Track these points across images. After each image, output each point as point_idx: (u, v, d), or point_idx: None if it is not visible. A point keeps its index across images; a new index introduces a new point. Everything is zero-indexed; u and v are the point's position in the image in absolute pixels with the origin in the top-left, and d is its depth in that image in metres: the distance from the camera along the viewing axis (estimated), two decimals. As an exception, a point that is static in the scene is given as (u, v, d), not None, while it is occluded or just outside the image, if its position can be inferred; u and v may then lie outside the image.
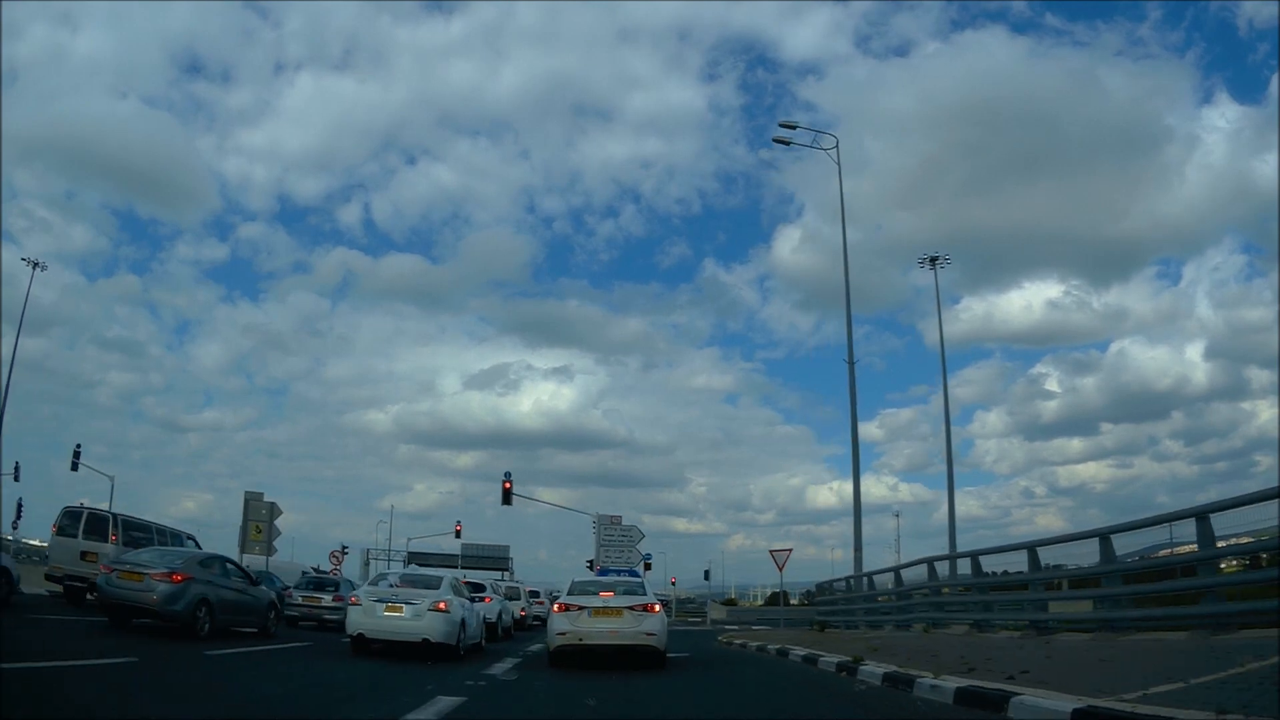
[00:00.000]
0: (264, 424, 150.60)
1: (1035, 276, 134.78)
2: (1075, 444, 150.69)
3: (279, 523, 33.65)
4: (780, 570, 32.10)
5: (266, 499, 34.24)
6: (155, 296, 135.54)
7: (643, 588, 15.24)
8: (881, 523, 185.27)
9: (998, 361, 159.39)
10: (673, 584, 77.96)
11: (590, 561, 43.70)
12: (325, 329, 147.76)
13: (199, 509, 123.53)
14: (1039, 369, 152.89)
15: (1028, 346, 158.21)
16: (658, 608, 14.01)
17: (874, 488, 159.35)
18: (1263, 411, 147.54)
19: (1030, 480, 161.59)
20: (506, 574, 61.43)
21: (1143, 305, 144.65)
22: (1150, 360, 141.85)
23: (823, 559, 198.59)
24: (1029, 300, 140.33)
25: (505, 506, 41.70)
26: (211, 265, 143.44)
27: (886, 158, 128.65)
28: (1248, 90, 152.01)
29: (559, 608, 13.86)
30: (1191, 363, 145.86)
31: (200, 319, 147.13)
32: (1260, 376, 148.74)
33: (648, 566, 42.74)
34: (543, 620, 20.46)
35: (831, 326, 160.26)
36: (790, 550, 32.92)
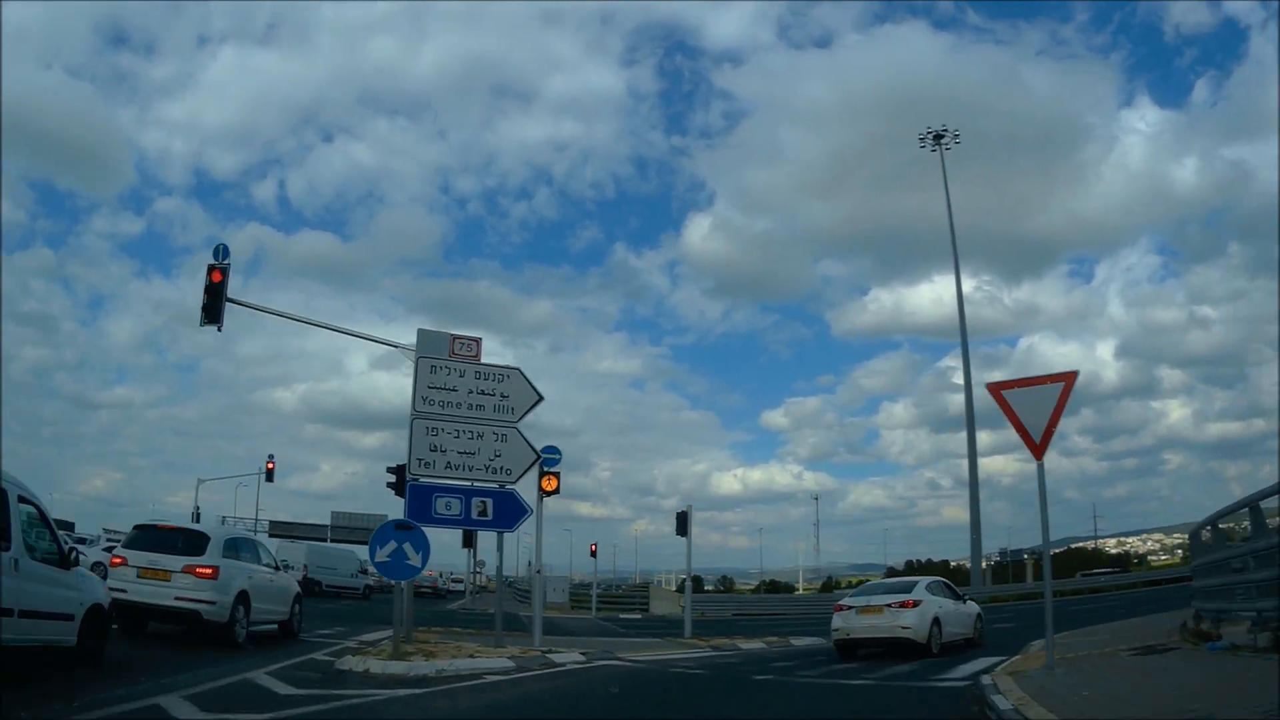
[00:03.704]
0: (174, 401, 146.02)
1: (947, 270, 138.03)
2: (983, 437, 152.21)
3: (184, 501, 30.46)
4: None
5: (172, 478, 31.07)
6: (70, 271, 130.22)
7: (909, 586, 15.81)
8: (786, 511, 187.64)
9: (906, 354, 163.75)
10: (538, 573, 73.96)
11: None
12: (236, 306, 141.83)
13: (108, 487, 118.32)
14: (947, 362, 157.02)
15: (937, 339, 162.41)
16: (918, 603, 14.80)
17: (778, 476, 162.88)
18: (1173, 411, 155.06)
19: (936, 472, 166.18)
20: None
21: (1054, 302, 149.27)
22: (1060, 356, 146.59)
23: (726, 546, 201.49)
24: (939, 294, 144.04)
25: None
26: (127, 240, 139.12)
27: (802, 147, 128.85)
28: (1170, 94, 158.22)
29: (837, 607, 15.40)
30: (1102, 360, 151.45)
31: (114, 294, 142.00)
32: (1171, 376, 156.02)
33: (550, 482, 20.07)
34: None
35: (741, 315, 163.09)
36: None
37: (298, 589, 18.06)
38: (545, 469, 18.96)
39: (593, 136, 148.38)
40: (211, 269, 17.76)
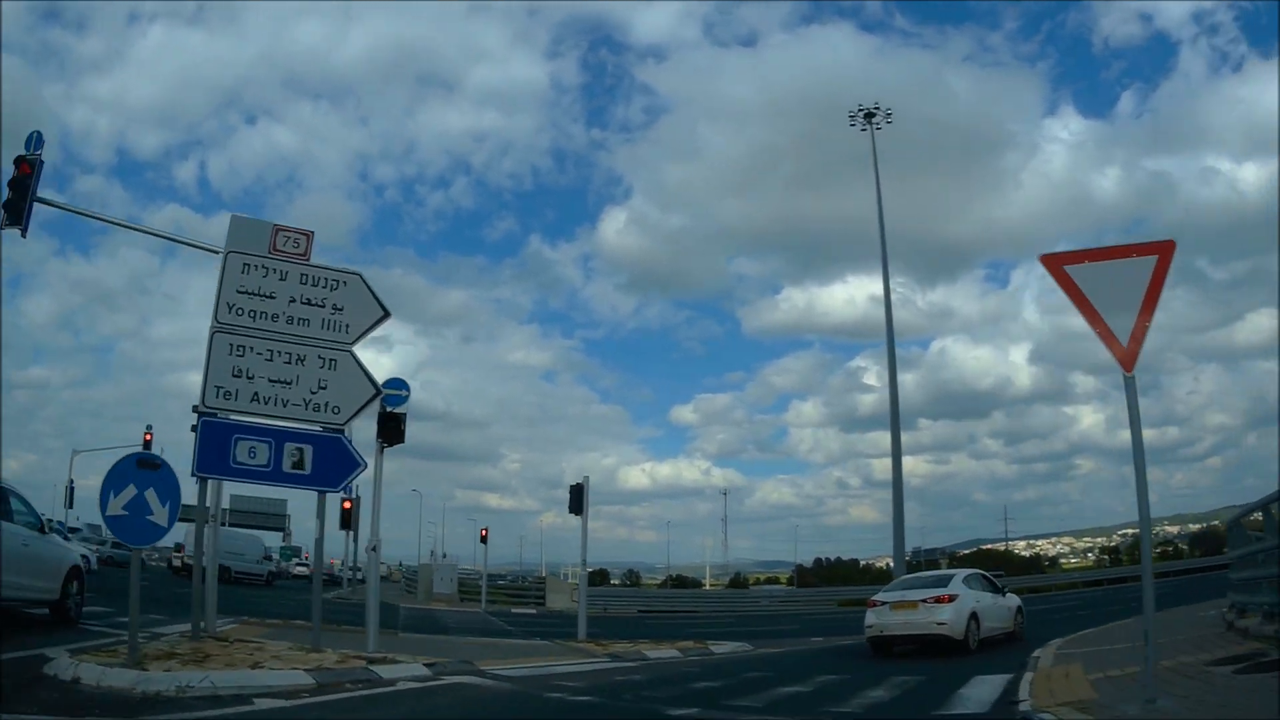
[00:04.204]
0: (89, 383, 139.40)
1: (860, 271, 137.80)
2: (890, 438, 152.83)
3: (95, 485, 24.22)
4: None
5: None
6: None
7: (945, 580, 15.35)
8: (694, 506, 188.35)
9: (817, 353, 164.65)
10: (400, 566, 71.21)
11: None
12: (153, 287, 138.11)
13: (23, 469, 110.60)
14: (858, 362, 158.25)
15: (848, 340, 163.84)
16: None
17: (686, 471, 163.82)
18: (1085, 416, 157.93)
19: (845, 471, 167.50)
20: (284, 534, 54.11)
21: (968, 306, 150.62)
22: (973, 360, 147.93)
23: (633, 540, 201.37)
24: (852, 294, 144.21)
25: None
26: (46, 218, 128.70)
27: (721, 145, 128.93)
28: (1095, 105, 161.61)
29: (870, 603, 15.19)
30: (1015, 365, 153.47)
31: (32, 272, 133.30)
32: (1084, 382, 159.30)
33: (388, 427, 14.12)
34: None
35: (653, 310, 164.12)
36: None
37: (76, 560, 13.94)
38: (387, 408, 14.11)
39: (514, 128, 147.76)
40: (19, 161, 12.75)
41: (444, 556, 76.55)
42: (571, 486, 20.40)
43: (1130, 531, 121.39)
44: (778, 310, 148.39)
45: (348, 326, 13.09)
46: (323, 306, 13.00)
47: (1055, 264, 8.10)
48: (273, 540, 63.49)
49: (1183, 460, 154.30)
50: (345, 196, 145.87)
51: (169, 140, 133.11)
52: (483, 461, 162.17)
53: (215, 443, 12.23)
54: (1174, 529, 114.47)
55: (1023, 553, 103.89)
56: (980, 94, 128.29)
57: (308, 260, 13.13)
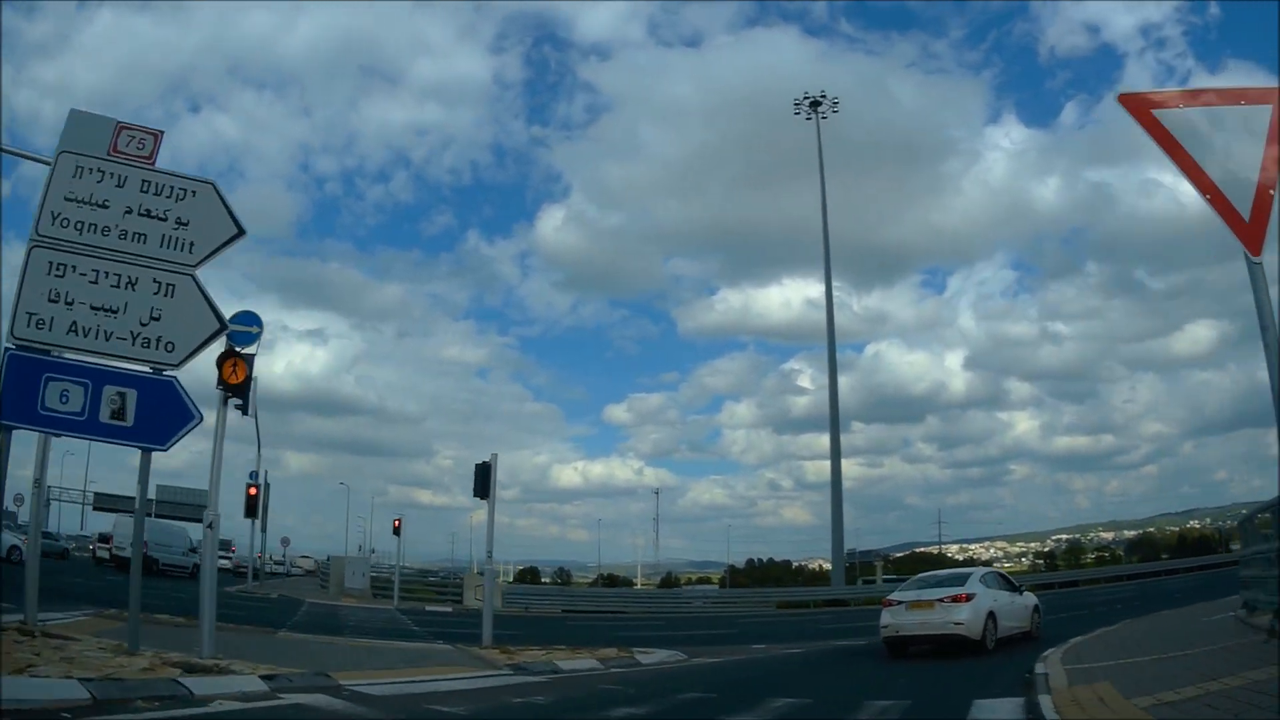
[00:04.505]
0: None
1: (797, 274, 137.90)
2: (824, 440, 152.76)
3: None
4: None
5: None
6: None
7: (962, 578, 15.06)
8: (626, 506, 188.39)
9: (751, 354, 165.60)
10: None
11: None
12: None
13: None
14: (792, 365, 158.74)
15: (783, 342, 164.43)
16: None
17: (619, 470, 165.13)
18: (1020, 423, 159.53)
19: (777, 473, 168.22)
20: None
21: (904, 311, 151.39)
22: (908, 365, 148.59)
23: (564, 538, 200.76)
24: (788, 297, 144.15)
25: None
26: None
27: (661, 145, 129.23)
28: (1038, 114, 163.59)
29: (885, 602, 15.13)
30: (950, 370, 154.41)
31: None
32: (1019, 389, 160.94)
33: (237, 370, 11.10)
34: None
35: (589, 309, 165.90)
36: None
37: None
38: (234, 348, 11.16)
39: (455, 122, 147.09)
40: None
41: (372, 552, 75.76)
42: (477, 466, 17.49)
43: (1064, 537, 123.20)
44: (713, 311, 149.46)
45: (192, 245, 10.78)
46: (164, 220, 10.73)
47: (1141, 108, 5.51)
48: (200, 532, 59.98)
49: (1118, 468, 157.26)
50: (286, 187, 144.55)
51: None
52: (416, 457, 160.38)
53: (22, 383, 10.01)
54: (1109, 535, 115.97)
55: (956, 556, 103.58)
56: (923, 100, 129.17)
57: (153, 165, 10.91)
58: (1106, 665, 9.97)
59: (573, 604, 40.21)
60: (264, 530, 47.04)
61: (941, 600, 14.31)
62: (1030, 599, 16.64)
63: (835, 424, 50.02)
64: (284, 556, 65.74)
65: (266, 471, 45.08)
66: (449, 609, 38.63)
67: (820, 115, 53.57)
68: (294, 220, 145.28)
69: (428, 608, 37.94)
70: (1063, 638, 13.80)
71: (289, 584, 48.82)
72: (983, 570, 16.15)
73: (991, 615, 14.32)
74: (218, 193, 11.08)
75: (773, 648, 18.85)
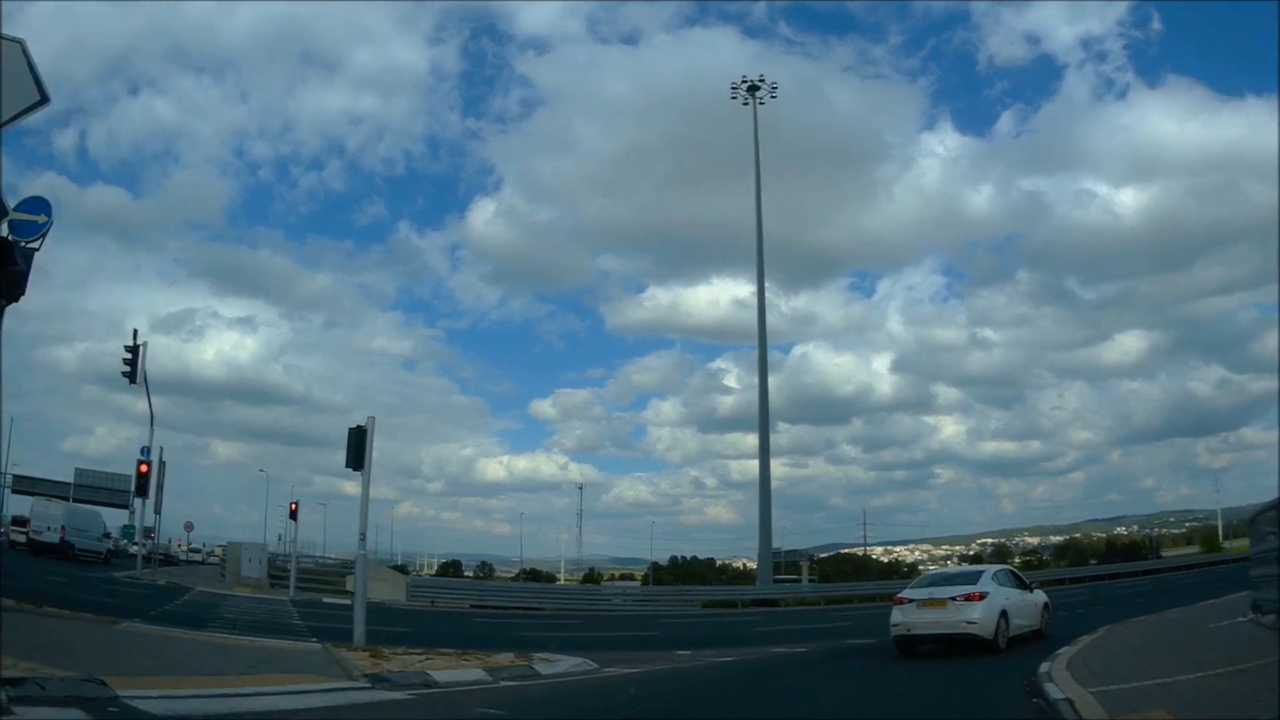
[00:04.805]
0: None
1: (726, 274, 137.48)
2: (750, 439, 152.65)
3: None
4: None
5: None
6: None
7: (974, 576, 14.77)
8: (550, 501, 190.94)
9: (678, 353, 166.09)
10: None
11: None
12: None
13: None
14: (719, 364, 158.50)
15: (710, 341, 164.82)
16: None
17: (544, 465, 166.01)
18: (946, 427, 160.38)
19: (701, 471, 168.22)
20: (129, 512, 47.70)
21: (832, 313, 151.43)
22: (835, 367, 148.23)
23: (489, 532, 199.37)
24: (716, 296, 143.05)
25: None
26: None
27: (595, 141, 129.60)
28: (974, 122, 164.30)
29: (896, 601, 14.71)
30: (877, 373, 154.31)
31: None
32: (947, 393, 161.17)
33: (8, 265, 7.34)
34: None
35: (517, 303, 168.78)
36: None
37: None
38: (12, 239, 8.24)
39: (390, 112, 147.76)
40: None
41: (292, 542, 73.44)
42: (351, 431, 14.54)
43: (989, 541, 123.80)
44: (641, 309, 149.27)
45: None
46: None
47: None
48: (120, 517, 58.17)
49: (1045, 473, 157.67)
50: (219, 172, 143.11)
51: (52, 107, 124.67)
52: (341, 448, 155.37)
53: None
54: (1034, 540, 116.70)
55: (881, 559, 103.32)
56: (859, 104, 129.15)
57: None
58: (1145, 686, 7.56)
59: (484, 599, 37.16)
60: (158, 511, 44.57)
61: (954, 599, 13.92)
62: (1040, 596, 16.40)
63: (764, 423, 48.00)
64: (189, 541, 64.18)
65: (162, 449, 42.54)
66: (348, 601, 35.66)
67: (758, 100, 51.63)
68: (226, 206, 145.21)
69: (325, 599, 35.04)
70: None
71: (193, 571, 46.90)
72: (995, 567, 15.84)
73: (1004, 614, 14.03)
74: (26, 53, 8.20)
75: (701, 655, 16.20)
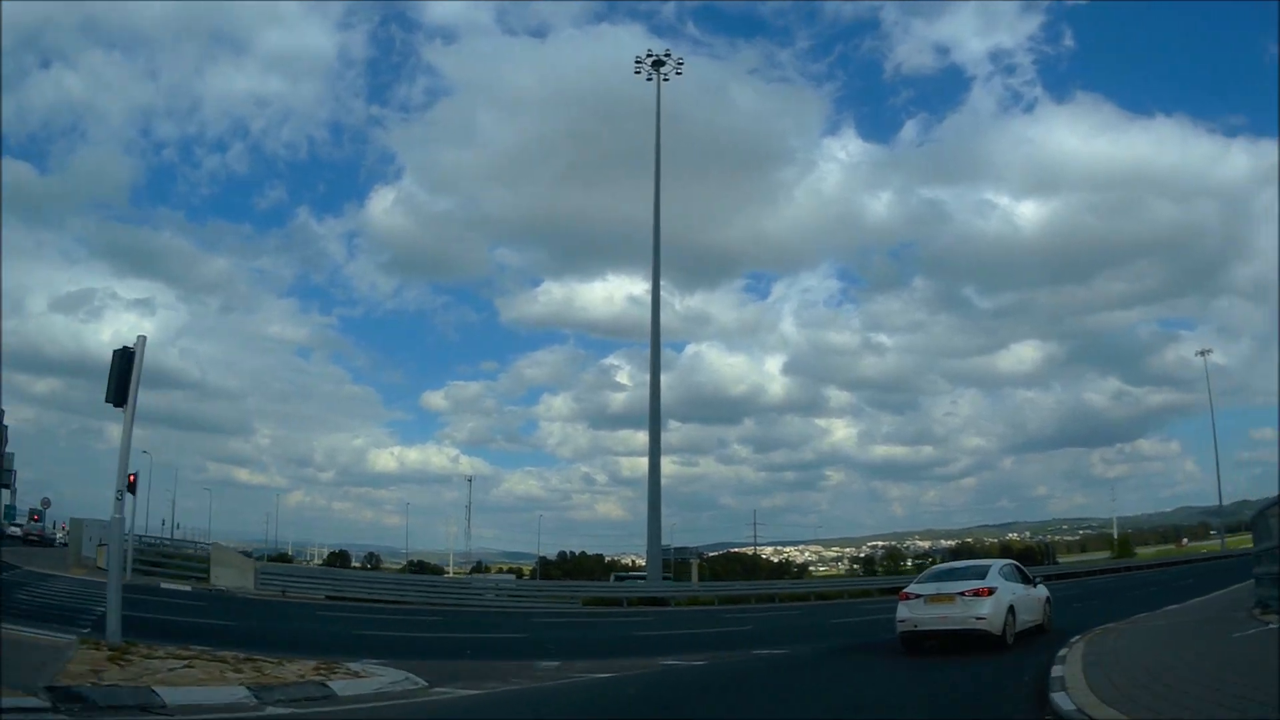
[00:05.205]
0: None
1: (621, 271, 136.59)
2: (640, 437, 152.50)
3: None
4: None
5: None
6: None
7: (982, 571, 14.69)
8: (440, 493, 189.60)
9: (572, 348, 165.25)
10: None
11: None
12: None
13: None
14: (612, 360, 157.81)
15: (604, 337, 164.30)
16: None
17: (434, 457, 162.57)
18: (837, 429, 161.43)
19: (592, 467, 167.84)
20: (10, 491, 44.90)
21: (726, 314, 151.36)
22: (727, 367, 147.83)
23: (380, 523, 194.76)
24: (611, 292, 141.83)
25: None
26: None
27: (496, 132, 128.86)
28: (877, 129, 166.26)
29: (902, 596, 14.48)
30: (769, 375, 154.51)
31: None
32: (839, 396, 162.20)
33: None
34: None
35: (412, 293, 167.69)
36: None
37: None
38: None
39: (296, 96, 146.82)
40: None
41: (176, 527, 72.81)
42: (115, 354, 10.84)
43: (880, 543, 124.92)
44: (536, 303, 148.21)
45: None
46: None
47: None
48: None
49: (936, 478, 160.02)
50: (124, 151, 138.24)
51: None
52: (234, 435, 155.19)
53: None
54: (925, 543, 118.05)
55: (771, 559, 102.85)
56: (763, 108, 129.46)
57: None
58: None
59: (340, 590, 33.16)
60: (7, 486, 43.49)
61: (963, 594, 13.70)
62: (1043, 591, 16.30)
63: (655, 418, 45.17)
64: (44, 519, 59.60)
65: (7, 428, 38.75)
66: (188, 587, 31.66)
67: (662, 77, 48.90)
68: (129, 186, 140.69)
69: (163, 584, 31.32)
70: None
71: (44, 552, 42.30)
72: (1001, 562, 15.95)
73: (1011, 609, 13.92)
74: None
75: (569, 667, 12.90)
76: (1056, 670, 8.89)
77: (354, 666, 10.26)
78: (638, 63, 48.88)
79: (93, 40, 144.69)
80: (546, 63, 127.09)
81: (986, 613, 13.40)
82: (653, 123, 48.28)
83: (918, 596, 14.12)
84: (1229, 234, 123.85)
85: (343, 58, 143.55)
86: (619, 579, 52.02)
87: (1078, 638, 12.45)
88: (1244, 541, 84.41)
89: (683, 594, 39.78)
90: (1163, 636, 12.29)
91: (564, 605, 34.18)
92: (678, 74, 49.18)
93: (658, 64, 48.56)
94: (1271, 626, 10.94)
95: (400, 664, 11.26)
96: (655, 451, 44.65)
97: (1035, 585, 16.02)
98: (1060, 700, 7.23)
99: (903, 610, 14.13)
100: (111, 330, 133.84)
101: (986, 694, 9.24)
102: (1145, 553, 74.04)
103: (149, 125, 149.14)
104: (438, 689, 9.68)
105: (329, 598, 31.99)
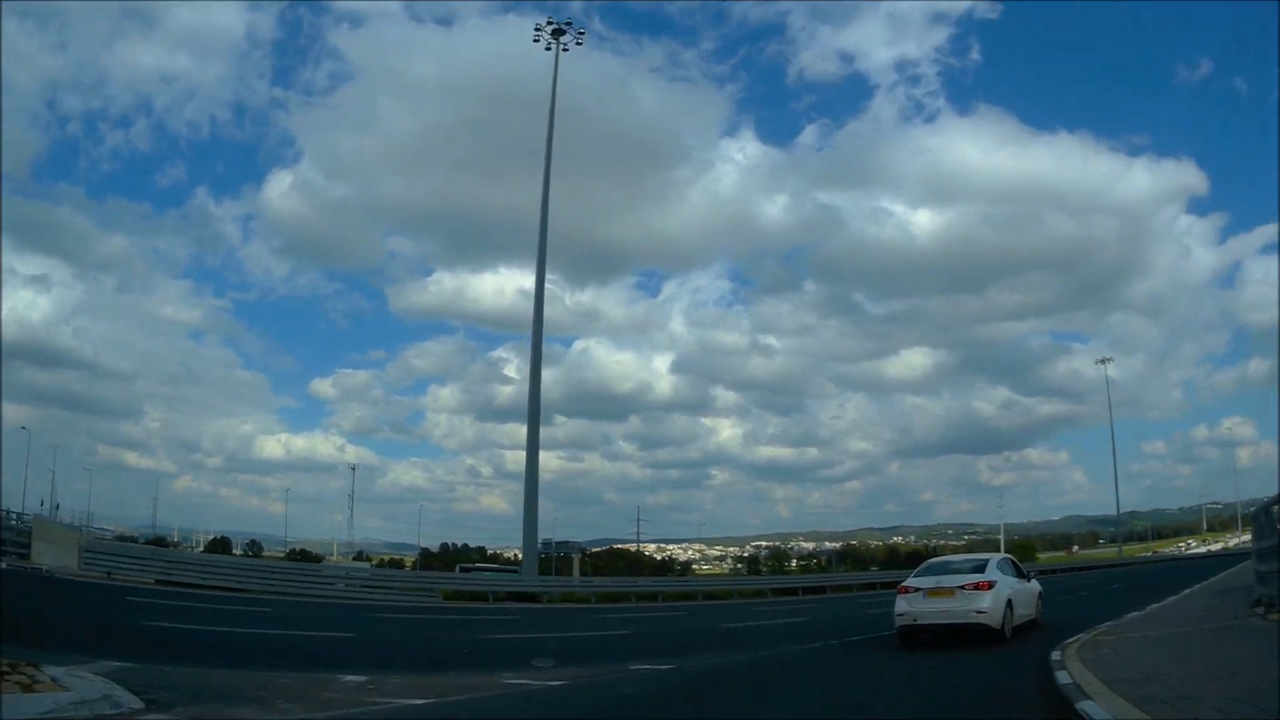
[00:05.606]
0: None
1: (513, 264, 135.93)
2: (524, 431, 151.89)
3: None
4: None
5: None
6: None
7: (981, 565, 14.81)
8: (326, 481, 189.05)
9: (461, 340, 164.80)
10: None
11: None
12: None
13: None
14: (500, 353, 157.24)
15: (493, 330, 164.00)
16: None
17: (321, 446, 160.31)
18: (723, 429, 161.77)
19: (478, 460, 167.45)
20: None
21: (616, 311, 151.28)
22: (615, 364, 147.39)
23: (265, 511, 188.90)
24: (502, 285, 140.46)
25: None
26: None
27: (396, 120, 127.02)
28: (776, 133, 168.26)
29: (900, 590, 14.58)
30: (657, 372, 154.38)
31: None
32: (725, 396, 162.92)
33: None
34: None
35: (305, 279, 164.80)
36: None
37: None
38: None
39: (201, 74, 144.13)
40: None
41: (56, 508, 68.51)
42: None
43: (764, 543, 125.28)
44: (426, 292, 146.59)
45: None
46: None
47: None
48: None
49: (821, 481, 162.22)
50: (29, 123, 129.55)
51: None
52: (125, 417, 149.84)
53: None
54: (810, 545, 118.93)
55: (655, 556, 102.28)
56: (663, 106, 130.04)
57: None
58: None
59: (170, 574, 29.78)
60: None
61: (963, 587, 13.84)
62: (1036, 586, 16.65)
63: (535, 403, 42.95)
64: None
65: None
66: (2, 565, 28.09)
67: (562, 46, 46.85)
68: (33, 159, 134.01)
69: None
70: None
71: None
72: (998, 556, 16.11)
73: (1009, 603, 14.12)
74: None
75: (378, 687, 10.23)
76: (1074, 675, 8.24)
77: (51, 673, 7.66)
78: (537, 30, 46.68)
79: (8, 8, 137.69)
80: (450, 51, 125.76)
81: (987, 606, 13.54)
82: (557, 55, 46.45)
83: (917, 590, 14.16)
84: (1126, 251, 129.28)
85: (250, 37, 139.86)
86: (464, 570, 50.07)
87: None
88: (1140, 550, 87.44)
89: (556, 589, 37.53)
90: (1168, 638, 12.02)
91: (421, 598, 31.49)
92: (578, 44, 47.24)
93: (558, 32, 46.50)
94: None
95: (135, 670, 8.70)
96: (534, 440, 42.44)
97: (1029, 580, 16.26)
98: (1089, 709, 6.55)
99: (901, 604, 14.18)
100: (7, 307, 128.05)
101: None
102: (1042, 558, 75.40)
103: (55, 98, 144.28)
104: (147, 717, 7.13)
105: (158, 581, 28.68)
